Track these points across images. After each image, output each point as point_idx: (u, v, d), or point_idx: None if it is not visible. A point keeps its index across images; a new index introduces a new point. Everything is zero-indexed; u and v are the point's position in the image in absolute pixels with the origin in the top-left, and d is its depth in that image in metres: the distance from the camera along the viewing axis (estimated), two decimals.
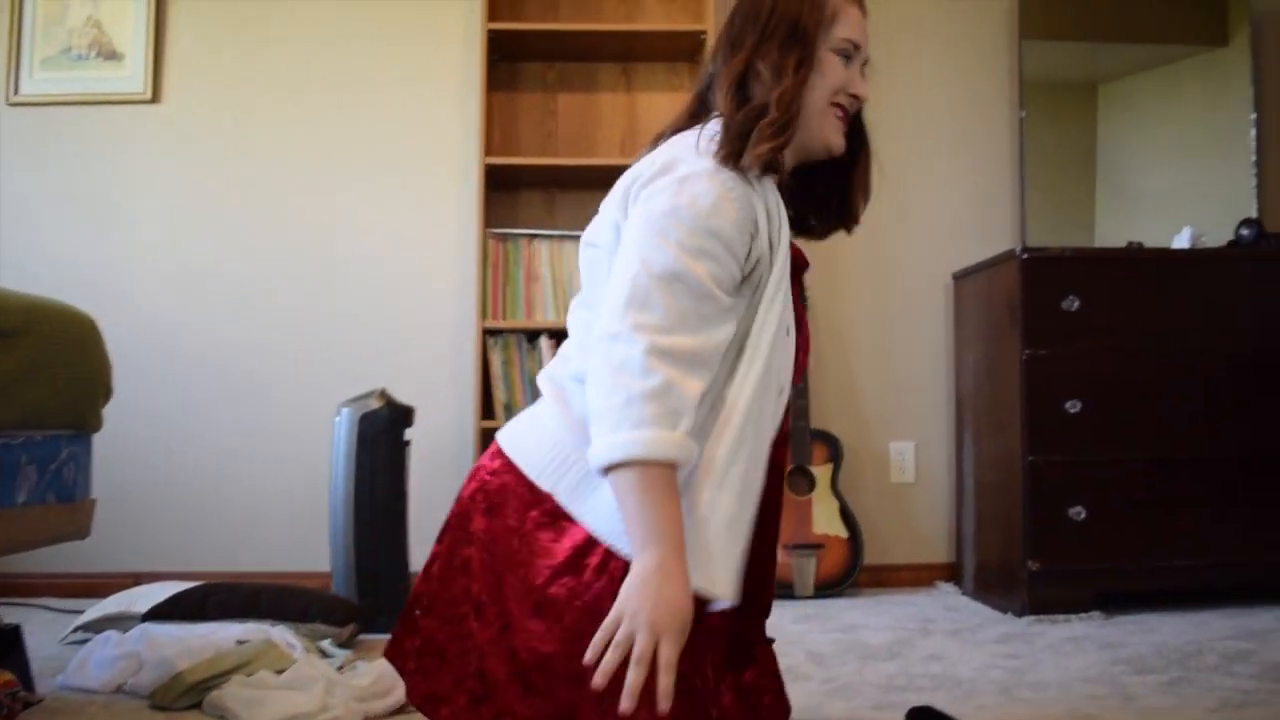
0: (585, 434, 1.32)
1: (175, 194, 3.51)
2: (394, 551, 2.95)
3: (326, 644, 2.56)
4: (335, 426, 2.95)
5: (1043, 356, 2.99)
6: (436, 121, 3.55)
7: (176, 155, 3.51)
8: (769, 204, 1.40)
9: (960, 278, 3.50)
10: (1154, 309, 3.06)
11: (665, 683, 1.19)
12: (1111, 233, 3.58)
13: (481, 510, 1.44)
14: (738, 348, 1.38)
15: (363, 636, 2.77)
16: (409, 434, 2.99)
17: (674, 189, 1.34)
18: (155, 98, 3.52)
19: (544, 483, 1.39)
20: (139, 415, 3.34)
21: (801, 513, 3.34)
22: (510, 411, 3.24)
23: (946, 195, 3.66)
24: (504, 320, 3.29)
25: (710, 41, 3.34)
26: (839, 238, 1.72)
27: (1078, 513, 2.97)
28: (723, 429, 1.35)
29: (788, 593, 3.27)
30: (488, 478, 1.46)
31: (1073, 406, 2.97)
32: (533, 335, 3.30)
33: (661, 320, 1.28)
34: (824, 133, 1.50)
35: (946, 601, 3.29)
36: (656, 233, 1.31)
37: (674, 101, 3.55)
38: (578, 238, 1.55)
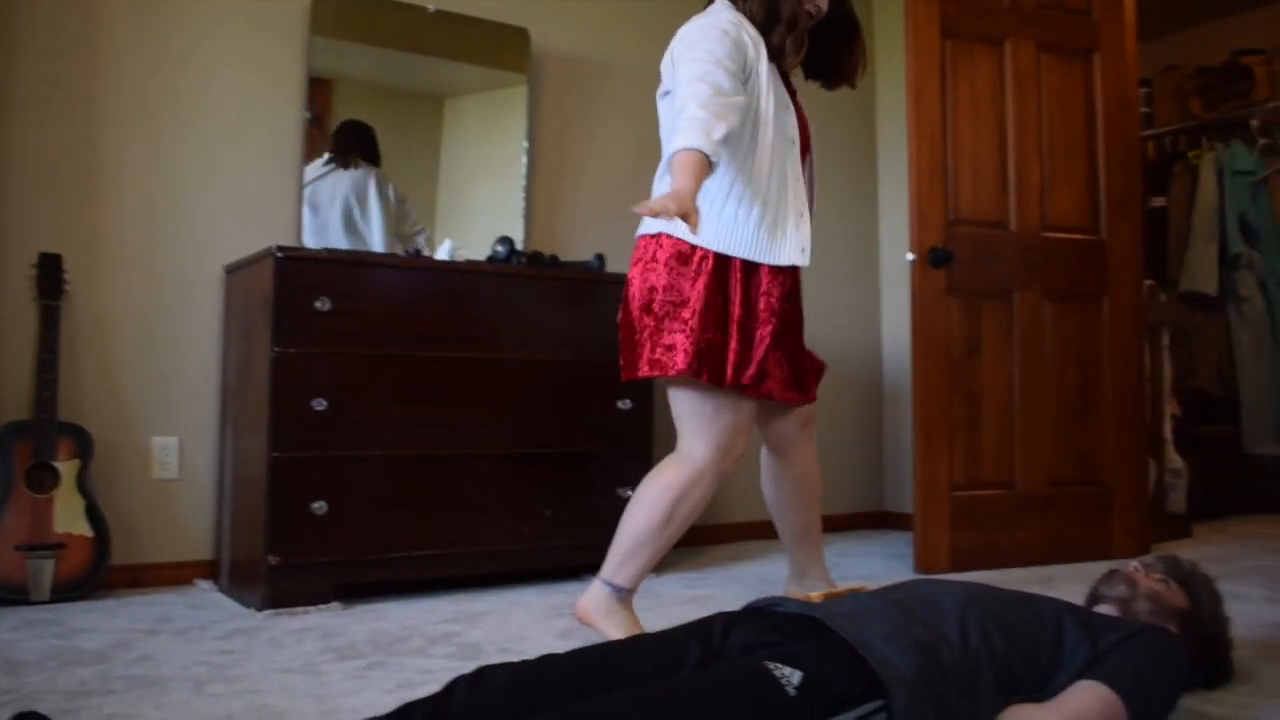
0: None
1: None
2: None
3: None
4: None
5: (292, 355, 3.03)
6: None
7: None
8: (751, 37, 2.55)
9: (231, 272, 3.47)
10: (405, 314, 3.22)
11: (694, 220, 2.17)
12: (454, 237, 3.78)
13: None
14: (753, 118, 2.51)
15: None
16: None
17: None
18: None
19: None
20: None
21: (41, 511, 3.11)
22: None
23: (229, 187, 3.60)
24: None
25: None
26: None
27: (320, 507, 3.04)
28: (760, 155, 2.54)
29: (21, 598, 3.04)
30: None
31: (319, 404, 3.05)
32: None
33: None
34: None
35: (197, 599, 3.23)
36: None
37: None
38: None
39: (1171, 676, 1.83)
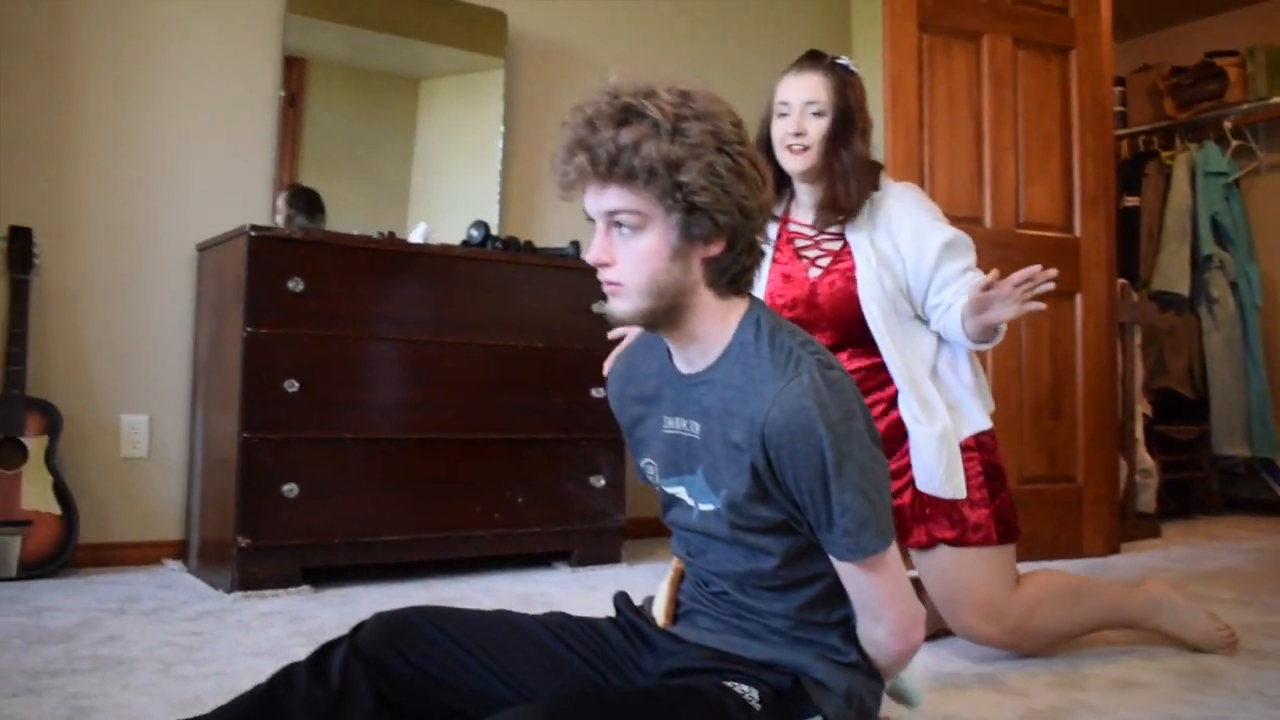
0: None
1: None
2: None
3: None
4: None
5: (264, 335, 3.01)
6: None
7: None
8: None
9: (203, 250, 3.44)
10: (378, 296, 3.21)
11: None
12: (427, 221, 3.73)
13: None
14: None
15: None
16: None
17: None
18: None
19: None
20: None
21: (8, 487, 3.08)
22: None
23: (201, 164, 3.57)
24: None
25: None
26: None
27: (290, 490, 3.02)
28: None
29: None
30: None
31: (290, 386, 3.02)
32: None
33: None
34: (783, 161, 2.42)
35: (166, 579, 3.21)
36: None
37: None
38: None
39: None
